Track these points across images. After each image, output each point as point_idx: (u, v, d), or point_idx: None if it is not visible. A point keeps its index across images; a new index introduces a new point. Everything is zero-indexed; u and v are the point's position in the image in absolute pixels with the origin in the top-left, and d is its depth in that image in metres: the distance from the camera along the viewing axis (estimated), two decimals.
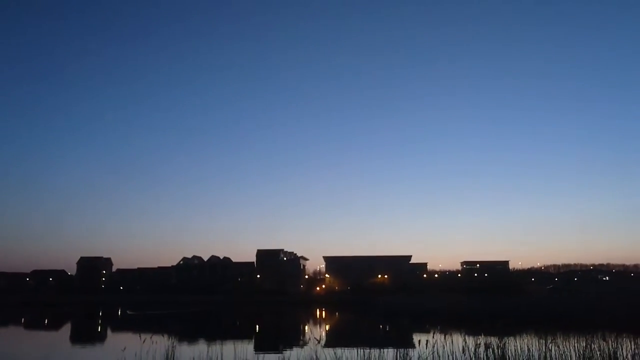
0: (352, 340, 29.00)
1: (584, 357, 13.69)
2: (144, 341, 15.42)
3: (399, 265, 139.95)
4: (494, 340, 13.97)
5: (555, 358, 14.14)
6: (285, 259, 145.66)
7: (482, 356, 13.60)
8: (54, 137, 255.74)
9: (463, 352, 13.50)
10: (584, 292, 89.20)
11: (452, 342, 14.51)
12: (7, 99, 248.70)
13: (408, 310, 56.91)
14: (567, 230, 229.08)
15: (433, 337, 14.36)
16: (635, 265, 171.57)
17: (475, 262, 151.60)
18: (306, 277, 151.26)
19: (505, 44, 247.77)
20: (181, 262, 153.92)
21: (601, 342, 14.19)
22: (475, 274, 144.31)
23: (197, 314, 66.68)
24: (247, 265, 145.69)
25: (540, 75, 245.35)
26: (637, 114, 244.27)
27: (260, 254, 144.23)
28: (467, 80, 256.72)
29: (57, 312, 76.36)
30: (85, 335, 42.72)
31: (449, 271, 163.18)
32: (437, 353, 14.16)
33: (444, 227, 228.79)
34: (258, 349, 28.20)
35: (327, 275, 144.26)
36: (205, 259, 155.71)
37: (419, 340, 13.88)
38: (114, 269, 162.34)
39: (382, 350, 14.86)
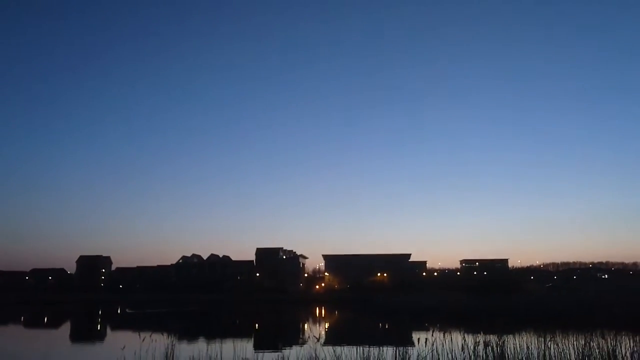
0: (351, 338, 29.04)
1: (583, 355, 13.71)
2: (143, 340, 15.43)
3: (399, 263, 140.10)
4: (493, 339, 13.99)
5: (554, 356, 14.16)
6: (284, 257, 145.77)
7: (481, 354, 13.62)
8: (54, 136, 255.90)
9: (462, 350, 13.52)
10: (582, 290, 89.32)
11: (451, 340, 14.53)
12: (8, 99, 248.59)
13: (407, 308, 56.96)
14: (566, 229, 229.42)
15: (432, 335, 14.37)
16: (635, 264, 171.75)
17: (474, 261, 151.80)
18: (305, 275, 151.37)
19: (505, 44, 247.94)
20: (180, 261, 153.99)
21: (600, 340, 14.21)
22: (475, 272, 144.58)
23: (197, 313, 66.70)
24: (247, 263, 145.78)
25: (541, 75, 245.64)
26: (637, 114, 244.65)
27: (260, 252, 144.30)
28: (467, 81, 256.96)
29: (56, 311, 76.37)
30: (84, 334, 42.73)
31: (448, 269, 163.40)
32: (437, 351, 14.18)
33: (443, 225, 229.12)
34: (257, 347, 28.22)
35: (326, 274, 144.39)
36: (205, 257, 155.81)
37: (418, 339, 13.90)
38: (113, 267, 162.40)
39: (381, 348, 14.88)
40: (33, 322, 56.89)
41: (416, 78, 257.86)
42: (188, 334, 36.47)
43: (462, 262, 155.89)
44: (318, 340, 17.09)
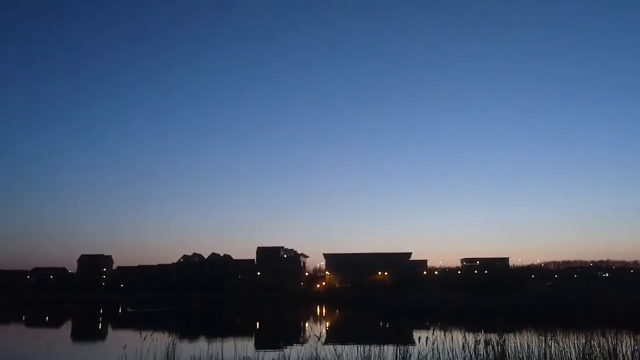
0: (352, 337, 29.08)
1: (583, 354, 13.71)
2: (144, 339, 15.45)
3: (399, 262, 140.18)
4: (493, 337, 13.99)
5: (555, 355, 14.16)
6: (285, 256, 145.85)
7: (481, 353, 13.63)
8: (55, 136, 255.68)
9: (463, 349, 13.53)
10: (583, 289, 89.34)
11: (452, 339, 14.54)
12: (9, 100, 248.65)
13: (408, 307, 56.97)
14: (567, 228, 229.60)
15: (433, 334, 14.37)
16: (635, 262, 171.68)
17: (475, 259, 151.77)
18: (306, 274, 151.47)
19: (505, 45, 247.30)
20: (181, 260, 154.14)
21: (601, 338, 14.20)
22: (475, 271, 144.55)
23: (198, 312, 66.77)
24: (248, 262, 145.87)
25: (541, 75, 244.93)
26: (637, 114, 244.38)
27: (261, 251, 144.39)
28: (467, 81, 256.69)
29: (57, 310, 76.47)
30: (86, 333, 42.80)
31: (449, 268, 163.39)
32: (437, 350, 14.19)
33: (443, 224, 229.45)
34: (258, 346, 28.25)
35: (327, 273, 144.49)
36: (206, 256, 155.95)
37: (419, 337, 13.90)
38: (114, 266, 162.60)
39: (382, 347, 14.89)
40: (34, 322, 56.97)
41: (416, 79, 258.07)
42: (189, 333, 36.52)
43: (462, 260, 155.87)
44: (319, 339, 17.11)
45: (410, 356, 14.35)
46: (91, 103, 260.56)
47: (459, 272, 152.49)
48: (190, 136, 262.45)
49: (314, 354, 15.85)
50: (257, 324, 50.15)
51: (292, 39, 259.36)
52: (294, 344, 27.15)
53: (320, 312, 69.58)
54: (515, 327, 20.40)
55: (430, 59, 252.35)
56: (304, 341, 28.39)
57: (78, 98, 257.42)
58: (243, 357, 17.93)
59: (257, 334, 39.66)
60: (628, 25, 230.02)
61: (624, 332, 15.50)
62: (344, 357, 15.11)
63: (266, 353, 18.20)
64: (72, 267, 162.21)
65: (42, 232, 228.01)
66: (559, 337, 15.03)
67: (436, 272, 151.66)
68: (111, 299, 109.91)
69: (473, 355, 13.65)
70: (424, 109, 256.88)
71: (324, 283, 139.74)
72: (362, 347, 14.90)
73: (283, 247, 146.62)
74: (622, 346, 14.03)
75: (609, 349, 13.59)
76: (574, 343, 14.46)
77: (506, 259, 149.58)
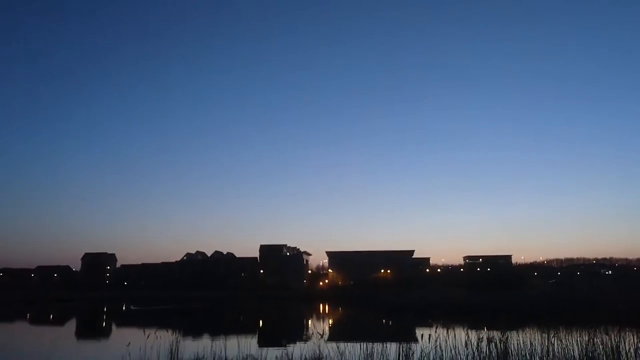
0: (355, 334, 29.12)
1: (586, 351, 13.71)
2: (148, 336, 15.54)
3: (402, 260, 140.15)
4: (496, 335, 14.02)
5: (558, 352, 14.17)
6: (288, 254, 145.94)
7: (484, 350, 13.65)
8: (57, 135, 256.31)
9: (466, 346, 13.57)
10: (585, 286, 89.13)
11: (454, 336, 14.57)
12: (11, 100, 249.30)
13: (411, 304, 56.99)
14: (569, 226, 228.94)
15: (436, 331, 14.41)
16: (638, 259, 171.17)
17: (477, 257, 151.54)
18: (309, 272, 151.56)
19: (505, 43, 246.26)
20: (185, 258, 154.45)
21: (604, 336, 14.20)
22: (478, 269, 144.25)
23: (201, 309, 66.97)
24: (250, 260, 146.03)
25: (541, 74, 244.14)
26: (637, 112, 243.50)
27: (264, 249, 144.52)
28: (467, 80, 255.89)
29: (62, 308, 76.79)
30: (90, 331, 42.99)
31: (452, 266, 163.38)
32: (440, 347, 14.22)
33: (446, 222, 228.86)
34: (262, 343, 28.31)
35: (330, 270, 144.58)
36: (209, 254, 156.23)
37: (422, 335, 13.93)
38: (118, 264, 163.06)
39: (385, 344, 14.93)
40: (39, 320, 57.24)
41: (417, 78, 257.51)
42: (192, 330, 36.64)
43: (465, 258, 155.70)
44: (322, 336, 17.16)
45: (413, 354, 14.38)
46: (91, 103, 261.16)
47: (462, 269, 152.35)
48: (191, 136, 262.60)
49: (317, 351, 15.91)
50: (260, 321, 50.26)
51: (292, 39, 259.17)
52: (297, 342, 27.23)
53: (323, 310, 69.68)
54: (517, 324, 20.43)
55: (430, 58, 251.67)
56: (307, 339, 28.45)
57: (78, 98, 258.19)
58: (246, 354, 17.98)
59: (261, 331, 39.75)
60: (629, 23, 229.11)
61: (627, 329, 15.51)
62: (347, 354, 15.15)
63: (269, 350, 18.25)
64: (76, 266, 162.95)
65: (46, 231, 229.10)
66: (561, 335, 15.04)
67: (439, 270, 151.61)
68: (115, 297, 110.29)
69: (476, 352, 13.67)
70: (424, 108, 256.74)
71: (326, 281, 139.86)
72: (365, 345, 14.94)
73: (286, 245, 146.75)
74: (625, 343, 14.02)
75: (612, 347, 13.58)
76: (577, 340, 14.46)
77: (509, 257, 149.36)
